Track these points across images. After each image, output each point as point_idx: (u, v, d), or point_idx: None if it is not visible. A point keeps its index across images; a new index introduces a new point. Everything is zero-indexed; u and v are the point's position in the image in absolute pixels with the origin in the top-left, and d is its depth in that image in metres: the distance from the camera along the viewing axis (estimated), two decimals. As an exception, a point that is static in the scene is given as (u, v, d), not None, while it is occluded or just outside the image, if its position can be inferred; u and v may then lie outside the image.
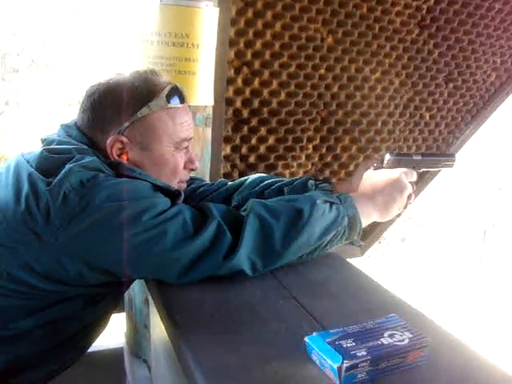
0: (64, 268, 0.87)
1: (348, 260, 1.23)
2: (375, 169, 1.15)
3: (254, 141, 1.86)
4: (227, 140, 1.80)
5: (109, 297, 1.05)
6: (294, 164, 1.97)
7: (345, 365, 0.69)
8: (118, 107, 0.98)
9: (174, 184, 1.07)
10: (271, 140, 1.89)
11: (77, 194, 0.84)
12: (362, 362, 0.70)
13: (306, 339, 0.76)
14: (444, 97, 2.23)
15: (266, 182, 1.27)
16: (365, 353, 0.71)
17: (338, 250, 1.16)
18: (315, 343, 0.74)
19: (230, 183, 1.32)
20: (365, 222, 1.07)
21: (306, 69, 1.83)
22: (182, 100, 1.03)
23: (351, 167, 2.12)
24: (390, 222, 2.44)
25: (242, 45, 1.69)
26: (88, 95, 1.01)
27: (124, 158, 1.00)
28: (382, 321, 0.81)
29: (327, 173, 2.10)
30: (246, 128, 1.82)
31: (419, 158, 1.18)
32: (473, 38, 2.18)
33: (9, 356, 0.95)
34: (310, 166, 2.03)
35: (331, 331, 0.77)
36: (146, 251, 0.88)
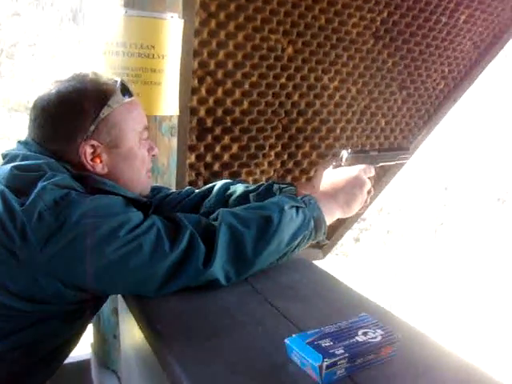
0: (41, 287, 0.86)
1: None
2: (334, 167, 1.18)
3: (217, 149, 1.89)
4: (192, 149, 1.82)
5: (86, 313, 1.04)
6: (257, 171, 2.02)
7: (325, 363, 0.73)
8: (80, 114, 0.99)
9: (145, 175, 1.11)
10: (235, 148, 1.92)
11: (52, 213, 0.84)
12: (341, 359, 0.75)
13: (287, 341, 0.79)
14: (398, 104, 2.34)
15: (231, 188, 1.30)
16: (342, 351, 0.76)
17: (300, 253, 1.20)
18: (295, 344, 0.78)
19: (197, 191, 1.33)
20: (329, 220, 1.11)
21: (268, 78, 1.88)
22: (130, 93, 1.06)
23: (312, 173, 2.19)
24: (351, 222, 2.53)
25: (205, 55, 1.72)
26: (41, 109, 1.00)
27: (97, 162, 1.01)
28: (355, 320, 0.86)
29: (289, 179, 2.15)
30: (209, 136, 1.85)
31: (376, 153, 1.22)
32: (423, 49, 2.30)
33: None
34: (272, 173, 2.08)
35: (309, 332, 0.81)
36: (124, 267, 0.88)
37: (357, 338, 0.80)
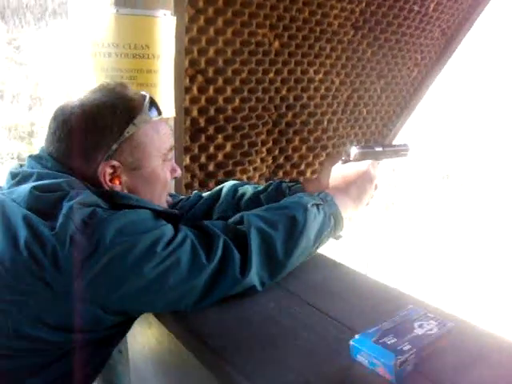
0: (78, 315, 0.81)
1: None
2: (343, 163, 1.19)
3: (211, 149, 1.85)
4: (186, 150, 1.77)
5: (117, 336, 0.98)
6: (251, 168, 1.99)
7: (399, 360, 0.72)
8: (103, 131, 0.91)
9: (165, 198, 1.04)
10: (228, 147, 1.89)
11: (83, 235, 0.78)
12: (410, 355, 0.74)
13: (351, 342, 0.78)
14: (378, 92, 2.37)
15: (240, 190, 1.27)
16: (409, 346, 0.75)
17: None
18: (362, 344, 0.77)
19: (205, 195, 1.29)
20: (343, 215, 1.09)
21: (257, 74, 1.86)
22: (159, 110, 1.00)
23: (302, 166, 2.18)
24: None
25: (195, 53, 1.67)
26: (62, 122, 0.92)
27: (116, 183, 0.94)
28: (405, 313, 0.86)
29: (280, 174, 2.14)
30: (203, 137, 1.81)
31: (380, 149, 1.24)
32: (399, 38, 2.34)
33: None
34: (264, 169, 2.06)
35: (369, 331, 0.80)
36: (164, 284, 0.84)
37: (415, 331, 0.80)
